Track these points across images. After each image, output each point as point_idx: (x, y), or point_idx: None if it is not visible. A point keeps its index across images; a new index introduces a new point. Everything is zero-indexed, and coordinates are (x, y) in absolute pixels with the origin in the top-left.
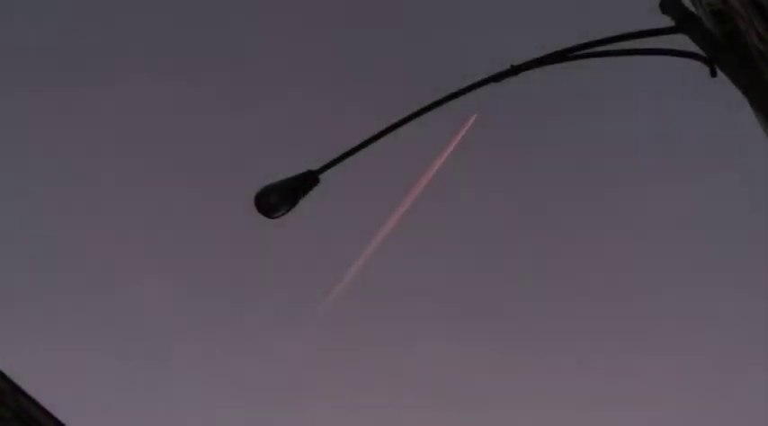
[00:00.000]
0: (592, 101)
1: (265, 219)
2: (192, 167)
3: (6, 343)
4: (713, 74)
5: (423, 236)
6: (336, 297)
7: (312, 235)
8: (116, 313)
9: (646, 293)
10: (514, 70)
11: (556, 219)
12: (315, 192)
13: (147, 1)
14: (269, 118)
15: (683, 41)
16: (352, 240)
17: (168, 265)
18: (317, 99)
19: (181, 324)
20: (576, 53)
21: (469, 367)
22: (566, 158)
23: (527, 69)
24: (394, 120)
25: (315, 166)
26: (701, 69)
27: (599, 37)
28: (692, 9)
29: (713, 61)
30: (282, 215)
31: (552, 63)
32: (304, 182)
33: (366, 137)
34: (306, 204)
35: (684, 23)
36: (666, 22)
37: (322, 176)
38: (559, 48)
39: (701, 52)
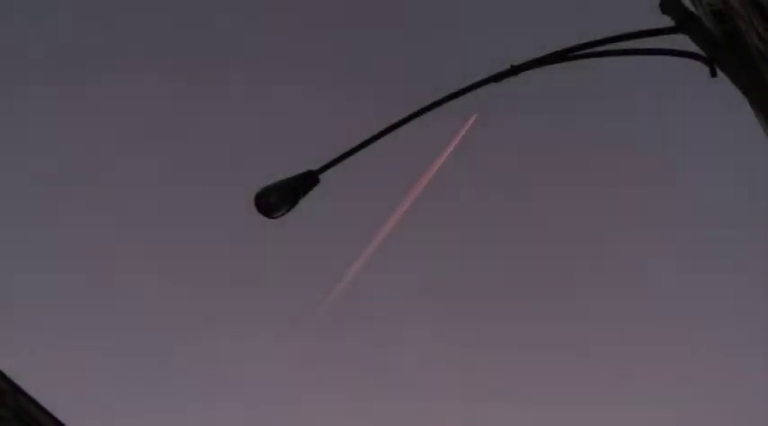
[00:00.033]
0: (592, 101)
1: (265, 219)
2: (191, 167)
3: (6, 343)
4: (713, 74)
5: (423, 236)
6: (336, 297)
7: (312, 236)
8: (116, 313)
9: (646, 291)
10: (514, 70)
11: (556, 219)
12: (315, 192)
13: (146, 0)
14: (269, 118)
15: (683, 41)
16: (352, 240)
17: (168, 265)
18: (317, 99)
19: (181, 324)
20: (575, 53)
21: (469, 367)
22: (566, 158)
23: (527, 69)
24: (394, 120)
25: (315, 166)
26: (700, 69)
27: (599, 37)
28: (692, 9)
29: (713, 61)
30: (282, 215)
31: (552, 63)
32: (304, 182)
33: (366, 137)
34: (306, 204)
35: (684, 23)
36: (666, 22)
37: (322, 176)
38: (559, 48)
39: (701, 52)
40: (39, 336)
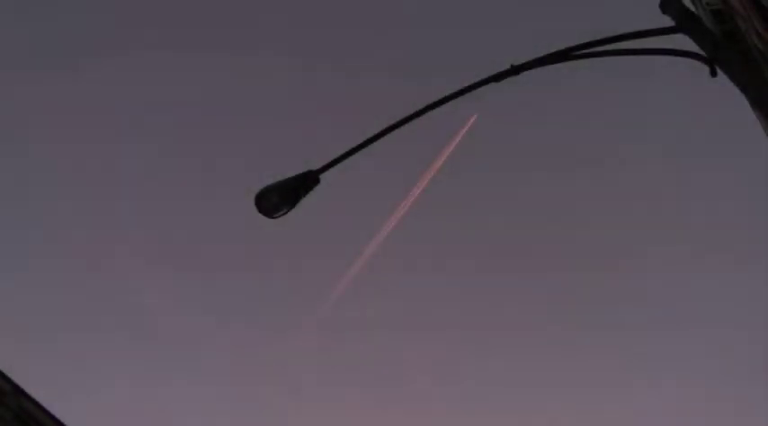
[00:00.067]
0: (592, 100)
1: (266, 219)
2: (191, 167)
3: (7, 343)
4: (713, 73)
5: (423, 236)
6: (336, 296)
7: (312, 236)
8: (116, 313)
9: (646, 290)
10: (515, 70)
11: (556, 219)
12: (315, 192)
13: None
14: (269, 117)
15: (683, 41)
16: (353, 240)
17: (169, 266)
18: (317, 99)
19: (181, 324)
20: (576, 53)
21: (470, 366)
22: (566, 158)
23: (527, 69)
24: (394, 120)
25: (315, 166)
26: (701, 69)
27: (599, 37)
28: (692, 9)
29: (713, 61)
30: (283, 215)
31: (552, 63)
32: (304, 182)
33: (366, 137)
34: (306, 204)
35: (684, 23)
36: (666, 22)
37: (322, 176)
38: (560, 48)
39: (701, 52)
40: (39, 336)
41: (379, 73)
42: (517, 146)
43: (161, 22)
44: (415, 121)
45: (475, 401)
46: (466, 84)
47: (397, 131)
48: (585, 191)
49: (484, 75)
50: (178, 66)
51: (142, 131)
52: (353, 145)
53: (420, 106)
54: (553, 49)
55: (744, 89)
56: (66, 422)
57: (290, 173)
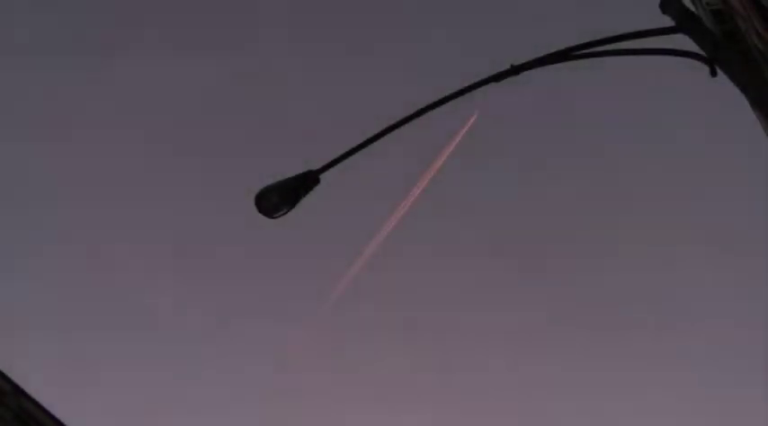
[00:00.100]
0: (592, 100)
1: (266, 219)
2: (191, 167)
3: (7, 343)
4: (713, 73)
5: (423, 236)
6: (337, 296)
7: (312, 236)
8: (116, 313)
9: (646, 290)
10: (515, 70)
11: (556, 218)
12: (315, 192)
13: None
14: (269, 118)
15: (683, 41)
16: (353, 240)
17: (169, 266)
18: (317, 99)
19: (181, 324)
20: (576, 53)
21: (470, 366)
22: (566, 157)
23: (528, 69)
24: (394, 120)
25: (315, 166)
26: (701, 69)
27: (599, 37)
28: (692, 9)
29: (713, 61)
30: (283, 215)
31: (552, 63)
32: (304, 182)
33: (366, 137)
34: (306, 204)
35: (684, 23)
36: (666, 22)
37: (322, 176)
38: (560, 48)
39: (701, 52)
40: (39, 336)
41: (379, 73)
42: (517, 146)
43: (161, 21)
44: (415, 121)
45: (475, 401)
46: (466, 84)
47: (397, 131)
48: (585, 191)
49: (484, 75)
50: (178, 66)
51: (142, 131)
52: (353, 145)
53: (420, 106)
54: (553, 49)
55: (744, 89)
56: (66, 422)
57: (290, 173)
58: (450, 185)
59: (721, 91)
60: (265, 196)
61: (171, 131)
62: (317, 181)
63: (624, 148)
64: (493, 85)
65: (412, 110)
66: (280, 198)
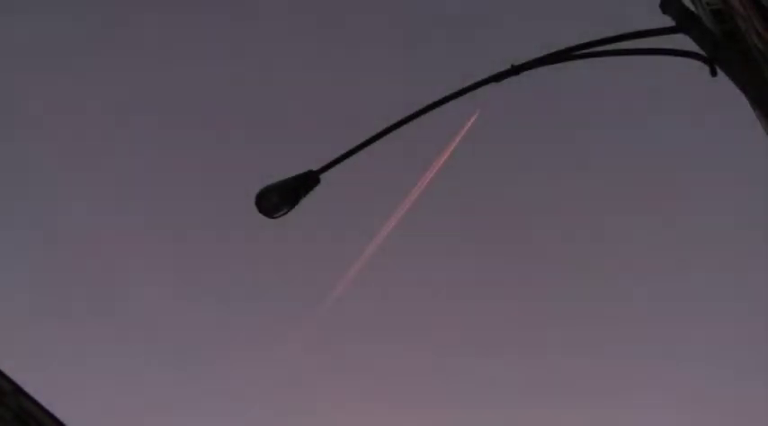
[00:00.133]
0: (592, 100)
1: (266, 219)
2: (192, 167)
3: (7, 343)
4: (713, 73)
5: (424, 236)
6: (337, 296)
7: (312, 236)
8: (117, 312)
9: (646, 290)
10: (515, 70)
11: (556, 218)
12: (315, 192)
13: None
14: (269, 117)
15: (683, 41)
16: (353, 240)
17: (169, 266)
18: (317, 99)
19: (181, 324)
20: (576, 53)
21: (470, 366)
22: (566, 158)
23: (528, 69)
24: (394, 120)
25: (315, 166)
26: (701, 69)
27: (599, 37)
28: (692, 9)
29: (713, 61)
30: (283, 215)
31: (553, 63)
32: (304, 182)
33: (366, 137)
34: (306, 204)
35: (684, 23)
36: (666, 21)
37: (322, 176)
38: (560, 48)
39: (701, 52)
40: (40, 336)
41: (380, 73)
42: (517, 146)
43: (161, 21)
44: (415, 121)
45: (475, 401)
46: (466, 84)
47: (397, 131)
48: (585, 191)
49: (484, 75)
50: (178, 66)
51: (142, 131)
52: (353, 145)
53: (420, 106)
54: (553, 49)
55: (744, 89)
56: (66, 422)
57: (290, 173)
58: (451, 185)
59: (721, 91)
60: (265, 196)
61: (171, 131)
62: (317, 181)
63: (624, 148)
64: (493, 85)
65: (412, 110)
66: (280, 198)
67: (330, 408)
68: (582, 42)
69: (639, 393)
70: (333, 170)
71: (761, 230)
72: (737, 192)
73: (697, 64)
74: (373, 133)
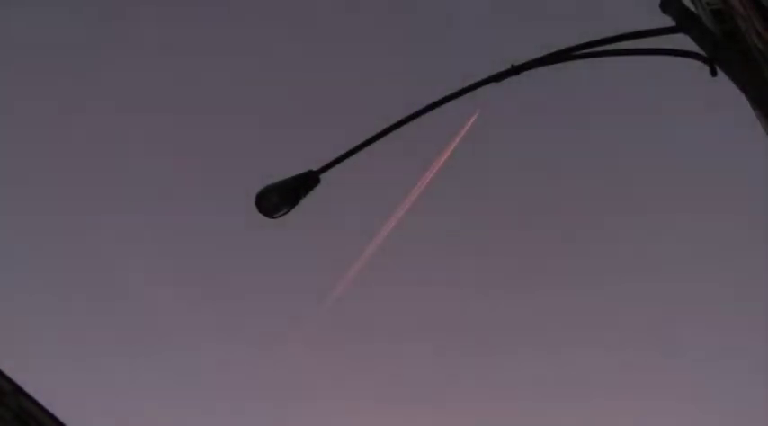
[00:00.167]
0: (592, 100)
1: (266, 219)
2: (192, 167)
3: (7, 343)
4: (713, 73)
5: (424, 236)
6: (337, 296)
7: (312, 236)
8: (117, 312)
9: (646, 290)
10: (515, 70)
11: (556, 218)
12: (315, 192)
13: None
14: (269, 117)
15: (683, 41)
16: (353, 240)
17: (169, 266)
18: (317, 99)
19: (181, 324)
20: (576, 53)
21: (470, 366)
22: (566, 158)
23: (528, 69)
24: (394, 120)
25: (315, 166)
26: (701, 69)
27: (599, 37)
28: (692, 9)
29: (713, 61)
30: (283, 215)
31: (553, 63)
32: (305, 182)
33: (366, 137)
34: (306, 204)
35: (684, 23)
36: (666, 21)
37: (322, 176)
38: (560, 48)
39: (701, 52)
40: (40, 336)
41: (380, 73)
42: (517, 146)
43: (161, 21)
44: (415, 121)
45: (475, 401)
46: (466, 84)
47: (397, 131)
48: (585, 191)
49: (484, 75)
50: (178, 66)
51: (142, 131)
52: (353, 145)
53: (420, 106)
54: (553, 49)
55: (744, 89)
56: (66, 422)
57: (290, 173)
58: (451, 185)
59: (721, 91)
60: (266, 196)
61: (171, 131)
62: (317, 181)
63: (624, 148)
64: (493, 85)
65: (412, 111)
66: (280, 198)
67: (330, 408)
68: (582, 42)
69: (639, 393)
70: (333, 170)
71: (761, 230)
72: (737, 192)
73: (697, 64)
74: (373, 133)
